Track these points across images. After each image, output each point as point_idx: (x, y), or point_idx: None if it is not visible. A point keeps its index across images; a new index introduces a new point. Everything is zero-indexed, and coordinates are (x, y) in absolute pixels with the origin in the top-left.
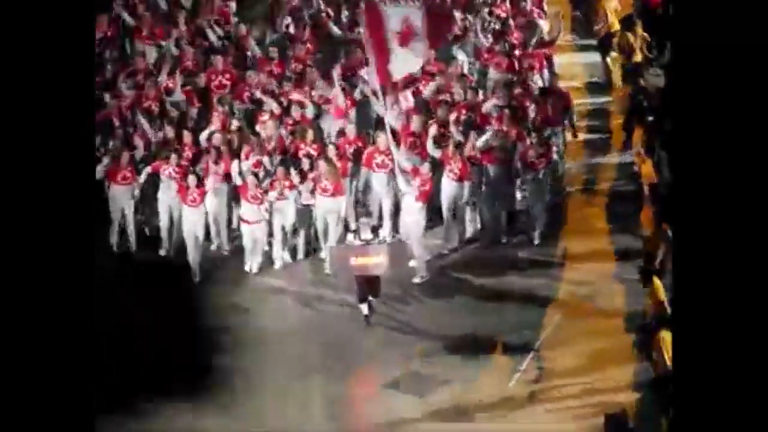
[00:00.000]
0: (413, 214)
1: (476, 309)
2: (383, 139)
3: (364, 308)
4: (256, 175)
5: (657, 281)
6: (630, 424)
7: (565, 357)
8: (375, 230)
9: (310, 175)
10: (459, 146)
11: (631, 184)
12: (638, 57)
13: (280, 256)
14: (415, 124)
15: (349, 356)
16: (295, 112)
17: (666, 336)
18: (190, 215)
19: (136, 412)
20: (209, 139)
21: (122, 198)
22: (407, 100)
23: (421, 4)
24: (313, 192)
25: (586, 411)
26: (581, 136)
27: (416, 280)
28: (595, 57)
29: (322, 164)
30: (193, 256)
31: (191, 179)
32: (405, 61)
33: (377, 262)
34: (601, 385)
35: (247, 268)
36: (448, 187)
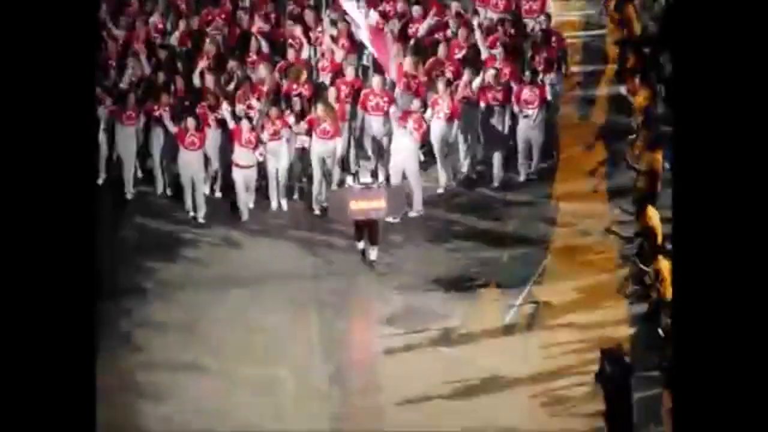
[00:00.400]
0: (409, 153)
1: (471, 249)
2: (378, 81)
3: (360, 244)
4: (249, 118)
5: (651, 209)
6: (626, 358)
7: (560, 293)
8: (374, 174)
9: (308, 117)
10: (449, 85)
11: (624, 116)
12: None
13: (275, 197)
14: (407, 64)
15: (345, 293)
16: (290, 51)
17: (664, 264)
18: (187, 158)
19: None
20: (202, 79)
21: (128, 139)
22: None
23: None
24: (309, 134)
25: (582, 346)
26: (575, 69)
27: (412, 213)
28: None
29: (320, 107)
30: (192, 197)
31: (190, 121)
32: None
33: (376, 206)
34: (597, 319)
35: (241, 213)
36: (437, 126)
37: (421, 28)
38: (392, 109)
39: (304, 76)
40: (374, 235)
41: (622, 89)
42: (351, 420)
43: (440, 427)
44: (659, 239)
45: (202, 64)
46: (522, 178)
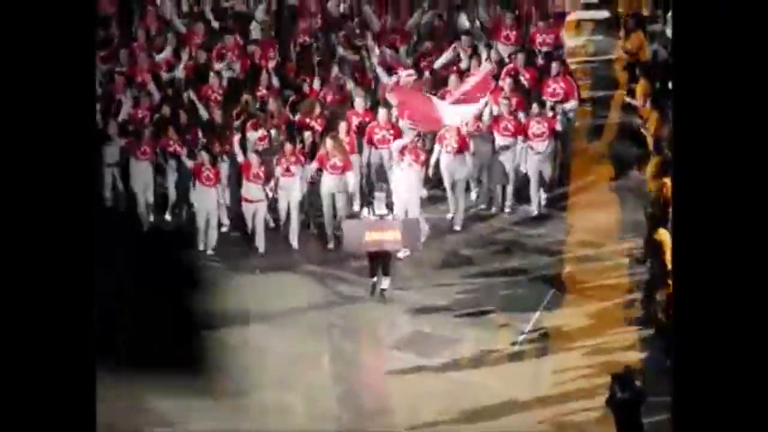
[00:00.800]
0: (410, 186)
1: (479, 276)
2: (383, 113)
3: (374, 279)
4: (258, 153)
5: (662, 231)
6: (637, 383)
7: (570, 318)
8: (390, 206)
9: (319, 153)
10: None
11: (635, 139)
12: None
13: (288, 231)
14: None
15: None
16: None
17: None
18: (202, 193)
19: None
20: (209, 113)
21: (143, 173)
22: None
23: None
24: (319, 170)
25: (593, 371)
26: (585, 93)
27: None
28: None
29: (329, 142)
30: (206, 232)
31: (205, 156)
32: None
33: (391, 237)
34: (607, 344)
35: (256, 247)
36: (446, 160)
37: (438, 62)
38: (394, 144)
39: (317, 109)
40: (386, 266)
41: (634, 118)
42: None
43: None
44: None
45: (210, 96)
46: (534, 209)
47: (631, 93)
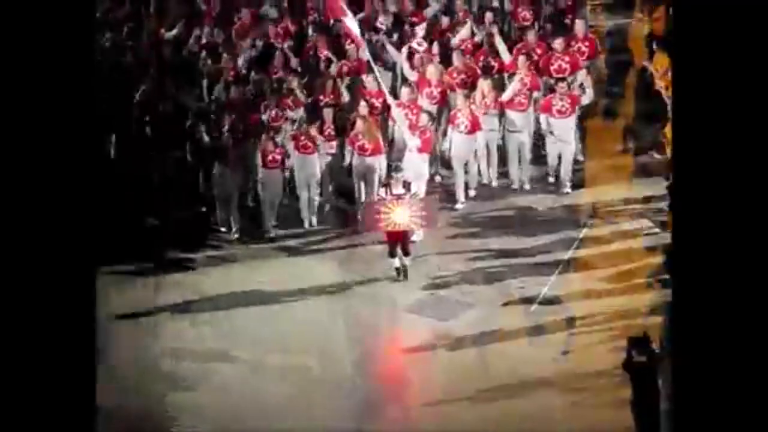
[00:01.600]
0: (418, 166)
1: (494, 246)
2: (406, 92)
3: (395, 262)
4: (272, 139)
5: None
6: (654, 346)
7: (587, 281)
8: (407, 185)
9: (351, 133)
10: (468, 97)
11: (652, 104)
12: None
13: (307, 216)
14: (432, 72)
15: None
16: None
17: None
18: (222, 174)
19: None
20: (227, 92)
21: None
22: (424, 48)
23: None
24: (345, 149)
25: (611, 334)
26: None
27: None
28: None
29: (358, 122)
30: (226, 213)
31: (226, 138)
32: None
33: (407, 218)
34: (625, 308)
35: (267, 230)
36: (458, 140)
37: (455, 38)
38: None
39: (330, 86)
40: (406, 246)
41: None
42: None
43: (466, 422)
44: None
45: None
46: (558, 188)
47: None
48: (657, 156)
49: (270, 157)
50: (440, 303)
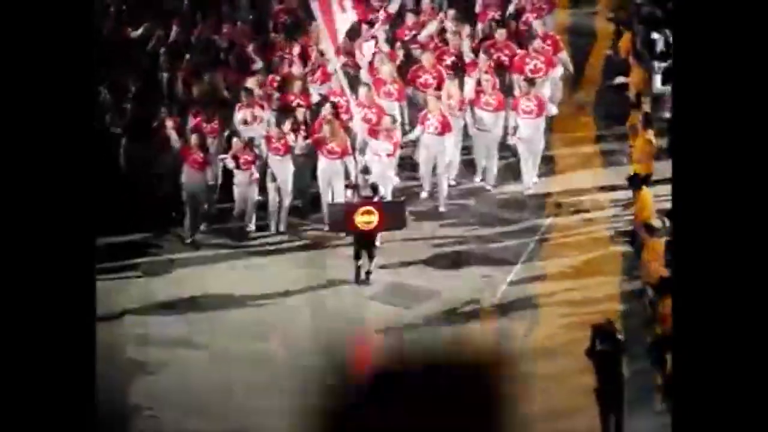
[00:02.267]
0: (385, 170)
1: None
2: (364, 92)
3: (358, 262)
4: (248, 143)
5: (645, 189)
6: (617, 335)
7: (553, 269)
8: (375, 188)
9: (316, 136)
10: (439, 99)
11: (617, 92)
12: None
13: (278, 217)
14: (386, 72)
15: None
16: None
17: (656, 245)
18: (191, 176)
19: None
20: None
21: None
22: (375, 46)
23: None
24: (315, 152)
25: (573, 320)
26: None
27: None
28: None
29: (325, 126)
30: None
31: (194, 138)
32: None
33: (375, 220)
34: (589, 296)
35: (246, 233)
36: (428, 141)
37: (422, 34)
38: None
39: (297, 86)
40: (371, 249)
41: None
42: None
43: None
44: (653, 219)
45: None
46: (526, 186)
47: (614, 47)
48: (621, 145)
49: (242, 159)
50: (403, 290)
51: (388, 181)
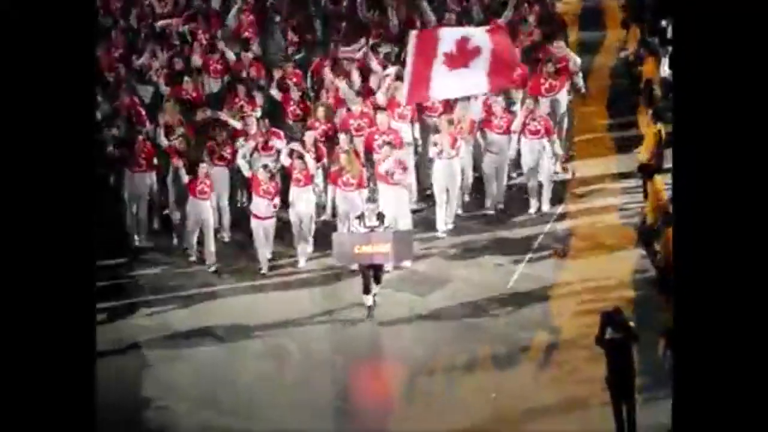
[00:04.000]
0: (399, 201)
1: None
2: (382, 118)
3: (368, 300)
4: (266, 167)
5: (658, 178)
6: (627, 321)
7: (565, 256)
8: (380, 217)
9: (332, 169)
10: (451, 123)
11: (628, 82)
12: None
13: (303, 250)
14: (398, 92)
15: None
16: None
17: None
18: (197, 206)
19: None
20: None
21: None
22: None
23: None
24: (331, 183)
25: (586, 308)
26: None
27: (405, 263)
28: None
29: (342, 157)
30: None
31: (201, 168)
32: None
33: (381, 251)
34: (601, 283)
35: (261, 266)
36: (439, 166)
37: None
38: (381, 166)
39: (321, 113)
40: (378, 277)
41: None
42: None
43: (447, 394)
44: (667, 207)
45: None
46: (534, 209)
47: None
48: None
49: (264, 188)
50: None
51: (401, 214)
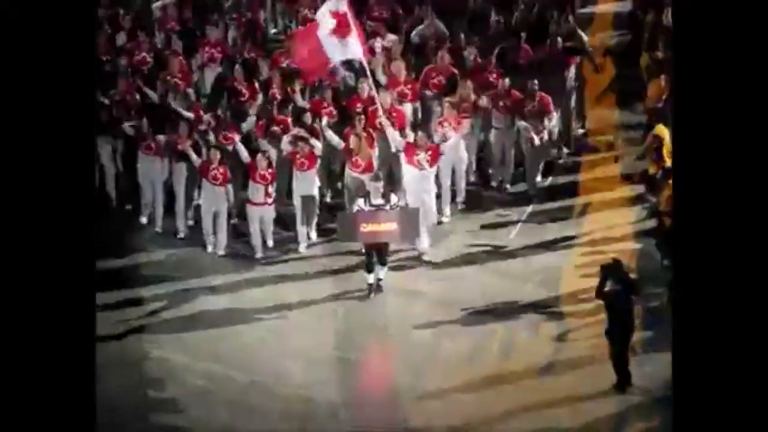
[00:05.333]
0: (426, 186)
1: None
2: (384, 97)
3: (369, 278)
4: (264, 152)
5: (661, 126)
6: (628, 274)
7: (565, 208)
8: (386, 196)
9: (345, 146)
10: (452, 104)
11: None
12: None
13: (305, 234)
14: (397, 68)
15: None
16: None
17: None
18: (209, 192)
19: None
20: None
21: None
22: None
23: None
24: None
25: (587, 260)
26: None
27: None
28: None
29: (352, 139)
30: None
31: (213, 153)
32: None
33: (387, 229)
34: (603, 236)
35: (254, 250)
36: (445, 148)
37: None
38: (394, 135)
39: (329, 95)
40: (383, 256)
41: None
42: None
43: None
44: (667, 158)
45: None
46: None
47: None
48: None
49: (261, 173)
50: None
51: (429, 194)
